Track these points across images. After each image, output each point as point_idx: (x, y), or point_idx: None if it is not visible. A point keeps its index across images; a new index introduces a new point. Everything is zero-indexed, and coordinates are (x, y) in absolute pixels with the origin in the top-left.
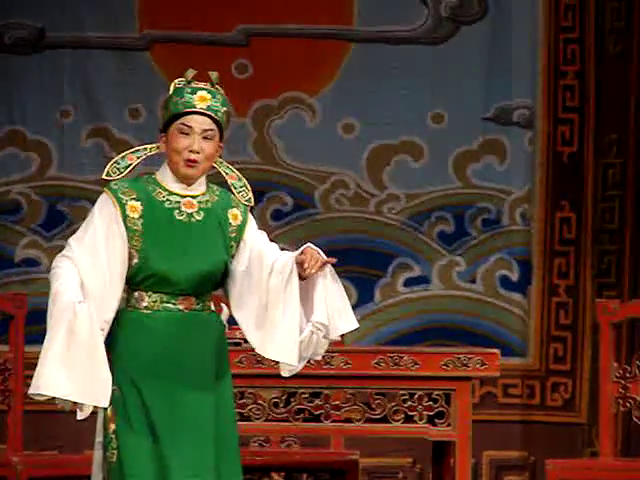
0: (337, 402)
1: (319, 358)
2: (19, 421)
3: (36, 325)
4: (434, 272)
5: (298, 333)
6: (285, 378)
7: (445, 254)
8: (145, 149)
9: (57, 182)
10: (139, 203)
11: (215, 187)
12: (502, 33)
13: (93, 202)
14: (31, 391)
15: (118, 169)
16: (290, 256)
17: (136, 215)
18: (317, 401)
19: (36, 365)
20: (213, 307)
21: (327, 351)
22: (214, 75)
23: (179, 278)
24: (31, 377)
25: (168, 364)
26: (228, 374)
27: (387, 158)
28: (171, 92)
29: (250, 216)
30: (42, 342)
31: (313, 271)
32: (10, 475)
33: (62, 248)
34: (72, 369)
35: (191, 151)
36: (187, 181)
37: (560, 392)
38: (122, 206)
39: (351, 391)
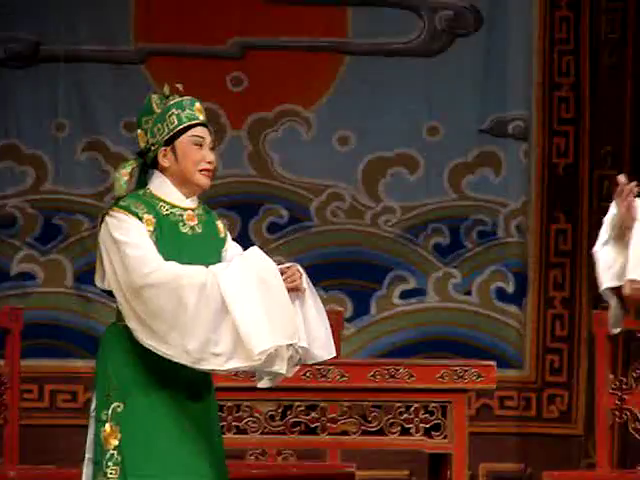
0: (333, 415)
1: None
2: (15, 435)
3: (32, 339)
4: (430, 284)
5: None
6: (274, 390)
7: (441, 266)
8: (130, 163)
9: (53, 196)
10: (151, 216)
11: (198, 200)
12: (497, 45)
13: (88, 216)
14: (259, 349)
15: (121, 185)
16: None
17: (151, 228)
18: (313, 414)
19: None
20: None
21: (323, 364)
22: (181, 86)
23: None
24: (27, 391)
25: (170, 374)
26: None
27: (383, 170)
28: (165, 105)
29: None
30: (38, 356)
31: None
32: None
33: (58, 262)
34: (277, 312)
35: (209, 162)
36: (193, 194)
37: (556, 404)
38: (140, 219)
39: (347, 404)
